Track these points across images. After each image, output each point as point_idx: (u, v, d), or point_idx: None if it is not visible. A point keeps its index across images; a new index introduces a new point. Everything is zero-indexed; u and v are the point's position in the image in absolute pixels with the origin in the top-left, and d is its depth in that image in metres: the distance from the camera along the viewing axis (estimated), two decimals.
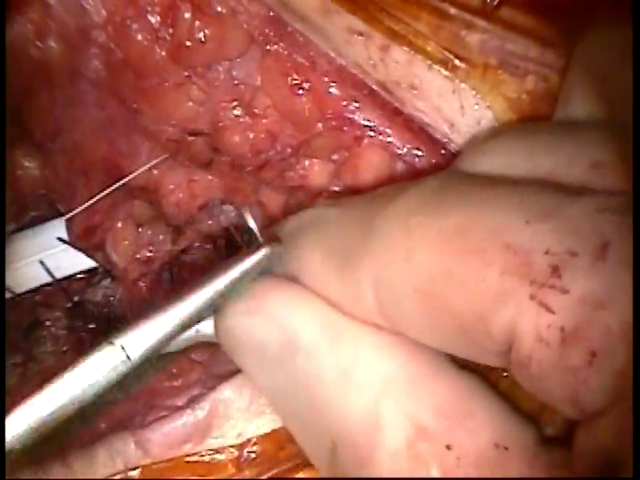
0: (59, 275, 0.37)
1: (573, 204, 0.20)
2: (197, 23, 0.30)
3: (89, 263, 0.36)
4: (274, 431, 0.29)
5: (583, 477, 0.20)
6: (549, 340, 0.19)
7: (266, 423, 0.29)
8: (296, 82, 0.31)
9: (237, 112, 0.33)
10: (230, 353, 0.27)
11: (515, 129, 0.28)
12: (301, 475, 0.29)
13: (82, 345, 0.37)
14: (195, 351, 0.31)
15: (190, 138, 0.33)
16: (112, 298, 0.38)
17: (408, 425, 0.23)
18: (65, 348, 0.37)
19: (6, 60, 0.30)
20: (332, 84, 0.31)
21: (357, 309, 0.24)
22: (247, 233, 0.27)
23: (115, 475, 0.29)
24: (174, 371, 0.31)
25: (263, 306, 0.25)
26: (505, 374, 0.25)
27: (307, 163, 0.32)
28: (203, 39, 0.31)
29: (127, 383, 0.25)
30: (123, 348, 0.24)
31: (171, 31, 0.31)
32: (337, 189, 0.32)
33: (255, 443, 0.29)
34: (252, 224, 0.26)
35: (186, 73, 0.32)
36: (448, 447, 0.22)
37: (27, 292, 0.37)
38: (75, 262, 0.36)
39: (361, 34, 0.29)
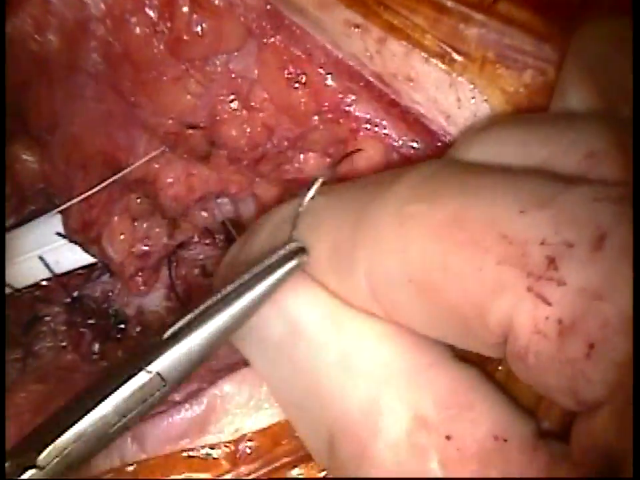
0: (58, 270, 0.37)
1: (569, 193, 0.20)
2: (195, 16, 0.31)
3: (89, 259, 0.36)
4: (270, 426, 0.29)
5: (583, 469, 0.20)
6: (546, 332, 0.19)
7: (263, 418, 0.29)
8: (292, 75, 0.31)
9: (234, 105, 0.33)
10: (233, 338, 0.27)
11: (509, 118, 0.28)
12: (296, 471, 0.29)
13: (81, 340, 0.37)
14: None
15: (188, 131, 0.33)
16: (111, 293, 0.38)
17: (408, 415, 0.22)
18: (64, 343, 0.37)
19: (5, 54, 0.30)
20: (328, 76, 0.31)
21: (353, 299, 0.24)
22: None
23: (111, 470, 0.29)
24: None
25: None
26: (500, 367, 0.25)
27: (302, 156, 0.32)
28: (200, 33, 0.31)
29: None
30: (159, 375, 0.24)
31: (169, 24, 0.31)
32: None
33: (251, 439, 0.29)
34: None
35: (184, 67, 0.32)
36: (448, 438, 0.22)
37: (27, 287, 0.37)
38: (74, 257, 0.37)
39: (357, 26, 0.29)
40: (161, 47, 0.31)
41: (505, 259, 0.20)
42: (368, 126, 0.31)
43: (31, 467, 0.23)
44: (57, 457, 0.23)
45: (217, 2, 0.30)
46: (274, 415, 0.29)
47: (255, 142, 0.33)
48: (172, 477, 0.29)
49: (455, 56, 0.28)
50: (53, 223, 0.36)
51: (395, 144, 0.31)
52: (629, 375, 0.18)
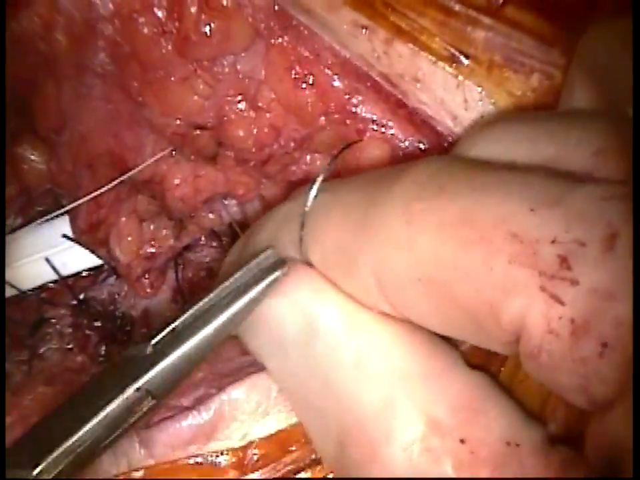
0: (64, 272, 0.37)
1: (578, 191, 0.20)
2: (203, 16, 0.30)
3: (95, 261, 0.36)
4: (278, 433, 0.29)
5: (597, 472, 0.20)
6: (559, 331, 0.19)
7: (271, 424, 0.29)
8: (300, 75, 0.31)
9: (241, 106, 0.32)
10: (244, 331, 0.26)
11: (514, 115, 0.28)
12: (302, 475, 0.29)
13: (87, 342, 0.37)
14: None
15: (195, 132, 0.33)
16: (117, 295, 0.38)
17: (422, 419, 0.22)
18: (70, 345, 0.37)
19: (13, 53, 0.30)
20: (335, 76, 0.31)
21: (362, 297, 0.24)
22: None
23: (118, 475, 0.29)
24: None
25: (287, 289, 0.25)
26: (502, 368, 0.25)
27: (309, 157, 0.32)
28: (208, 33, 0.31)
29: None
30: (148, 392, 0.24)
31: (177, 24, 0.31)
32: None
33: (259, 446, 0.29)
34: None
35: (191, 67, 0.32)
36: (462, 441, 0.22)
37: (33, 289, 0.37)
38: (80, 259, 0.37)
39: (365, 27, 0.29)
40: (169, 47, 0.31)
41: (516, 258, 0.20)
42: (375, 127, 0.31)
43: None
44: (55, 467, 0.23)
45: (225, 2, 0.30)
46: (281, 421, 0.29)
47: (262, 143, 0.32)
48: None
49: (462, 59, 0.28)
50: (60, 225, 0.36)
51: (402, 145, 0.31)
52: None
